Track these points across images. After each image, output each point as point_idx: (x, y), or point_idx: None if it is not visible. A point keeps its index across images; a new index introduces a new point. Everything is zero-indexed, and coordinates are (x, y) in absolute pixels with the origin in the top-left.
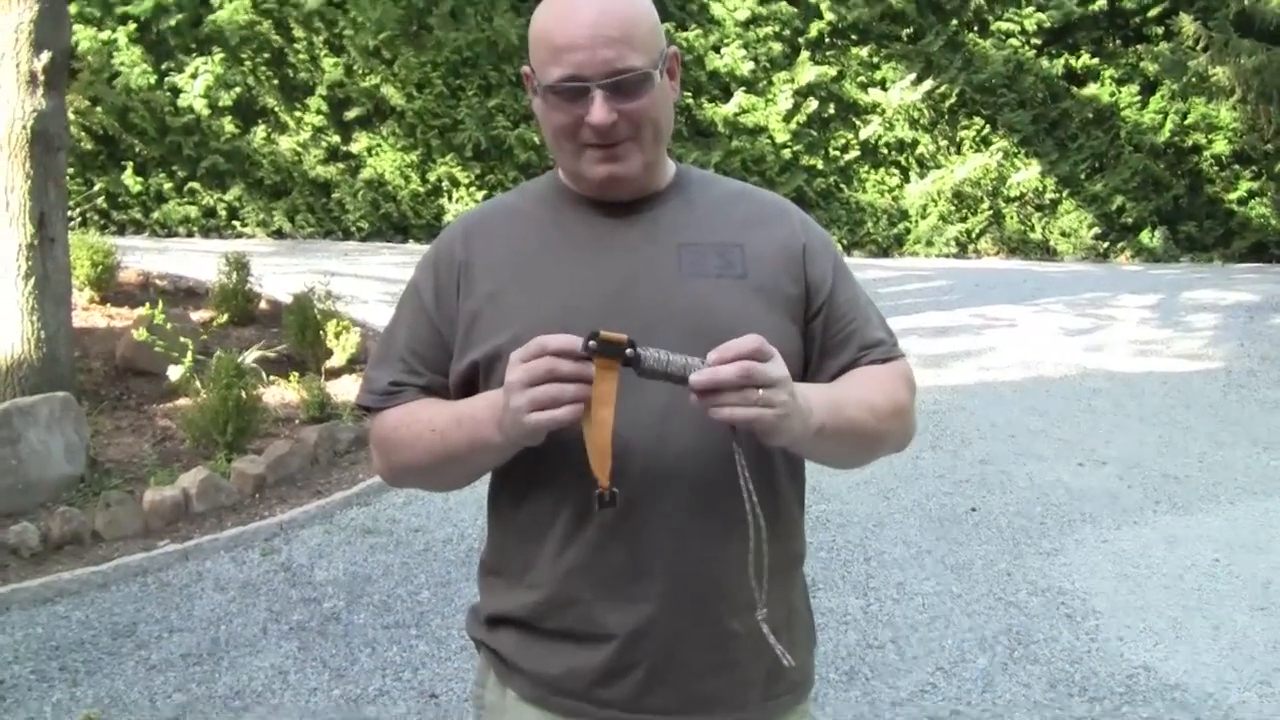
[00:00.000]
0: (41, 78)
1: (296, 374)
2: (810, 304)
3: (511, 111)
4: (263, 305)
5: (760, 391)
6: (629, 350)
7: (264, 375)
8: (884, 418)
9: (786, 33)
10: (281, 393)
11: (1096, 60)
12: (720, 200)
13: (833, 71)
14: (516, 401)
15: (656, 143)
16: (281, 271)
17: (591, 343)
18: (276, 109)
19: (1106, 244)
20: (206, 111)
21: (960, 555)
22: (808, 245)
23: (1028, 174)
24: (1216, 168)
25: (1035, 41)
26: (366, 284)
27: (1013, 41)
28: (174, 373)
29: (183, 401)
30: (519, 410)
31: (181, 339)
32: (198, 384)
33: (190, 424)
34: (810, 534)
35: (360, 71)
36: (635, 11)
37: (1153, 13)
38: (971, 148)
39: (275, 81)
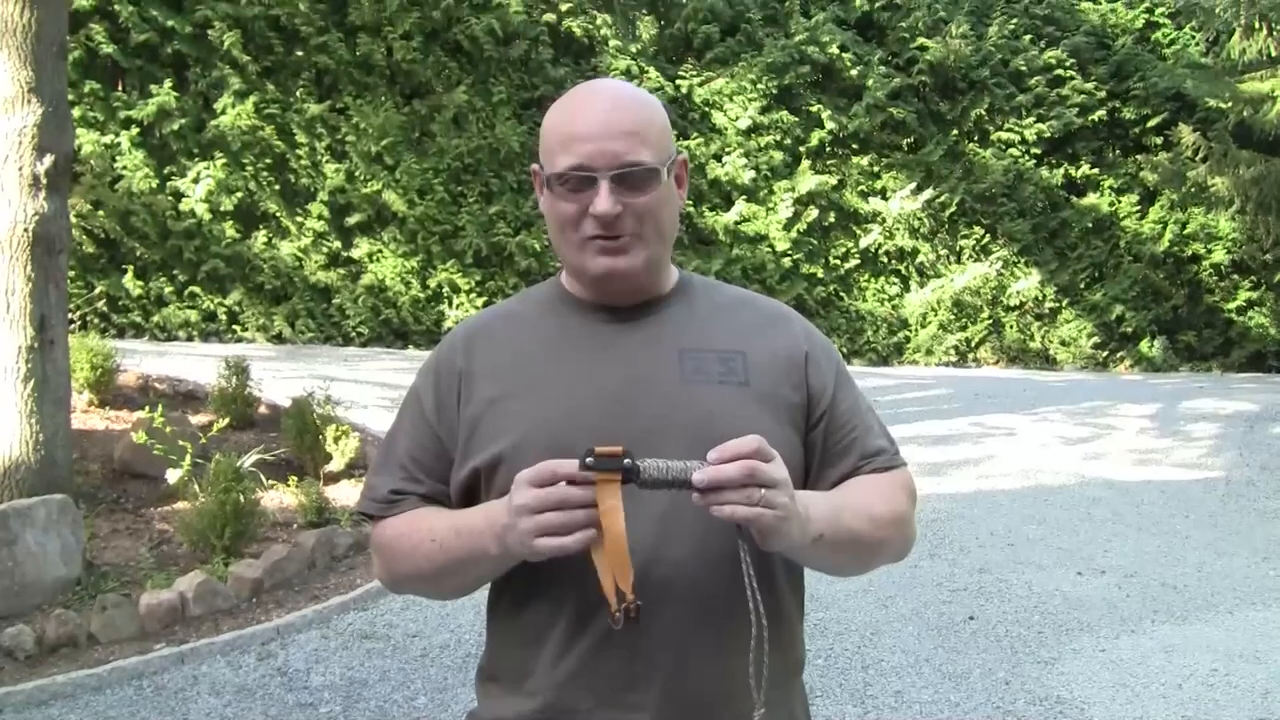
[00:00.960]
0: (44, 180)
1: (295, 478)
2: (811, 412)
3: (513, 218)
4: (262, 409)
5: (762, 491)
6: (627, 461)
7: (262, 479)
8: (883, 527)
9: (787, 142)
10: (280, 497)
11: (1096, 170)
12: (723, 306)
13: (833, 180)
14: (525, 525)
15: (660, 240)
16: (281, 376)
17: (589, 460)
18: (278, 214)
19: (1106, 353)
20: (208, 216)
21: (958, 664)
22: (810, 353)
23: (1027, 283)
24: (1215, 277)
25: (1035, 151)
26: (366, 389)
27: (1013, 151)
28: (172, 476)
29: (180, 505)
30: (527, 534)
31: (180, 442)
32: (196, 487)
33: (188, 527)
34: (808, 641)
35: (362, 177)
36: (648, 111)
37: (1152, 123)
38: (971, 256)
39: (277, 186)
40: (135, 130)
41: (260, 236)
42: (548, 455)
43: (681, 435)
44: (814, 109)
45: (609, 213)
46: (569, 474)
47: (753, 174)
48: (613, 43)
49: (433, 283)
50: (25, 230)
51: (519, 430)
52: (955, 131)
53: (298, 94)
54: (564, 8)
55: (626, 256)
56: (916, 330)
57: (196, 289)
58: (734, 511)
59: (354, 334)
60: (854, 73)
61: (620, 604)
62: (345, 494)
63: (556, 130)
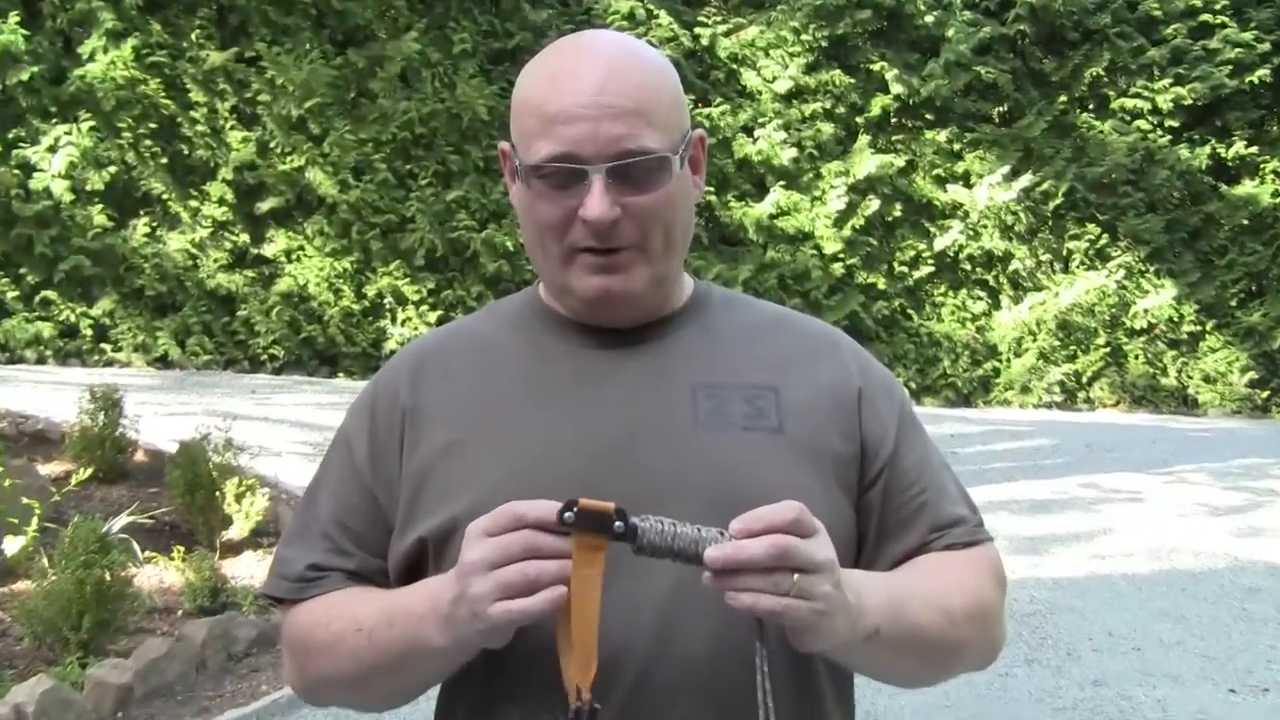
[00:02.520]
0: None
1: (181, 549)
2: (866, 468)
3: (477, 207)
4: (139, 456)
5: (795, 577)
6: (618, 524)
7: (137, 549)
8: (962, 622)
9: (840, 110)
10: (160, 574)
11: (1254, 149)
12: (750, 329)
13: (900, 162)
14: (478, 589)
15: (669, 252)
16: (166, 412)
17: (569, 514)
18: (165, 196)
19: (1266, 393)
20: (69, 197)
21: None
22: (864, 390)
23: (1159, 299)
24: None
25: (1171, 124)
26: (280, 431)
27: (1141, 124)
28: (11, 546)
29: (22, 585)
30: (480, 600)
31: (24, 500)
32: (45, 561)
33: (31, 615)
34: None
35: (279, 150)
36: (656, 78)
37: None
38: (1083, 263)
39: (164, 160)
40: None
41: (140, 226)
42: None
43: (693, 497)
44: (876, 67)
45: (604, 218)
46: (539, 518)
47: (794, 153)
48: None
49: (371, 290)
50: None
51: (480, 488)
52: (1064, 98)
53: (193, 37)
54: None
55: (625, 275)
56: (1009, 360)
57: (51, 295)
58: (756, 601)
59: (265, 357)
60: (929, 19)
61: (578, 700)
62: (249, 570)
63: (533, 104)
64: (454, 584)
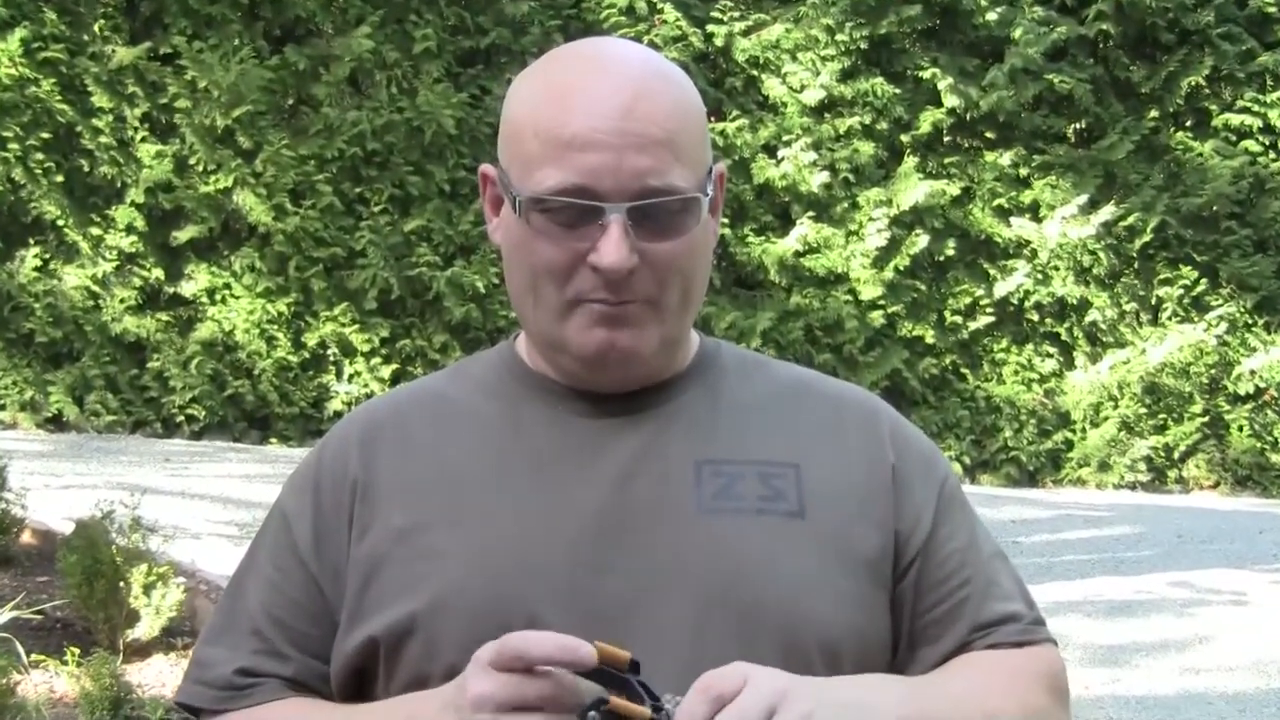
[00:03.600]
0: None
1: (77, 651)
2: (899, 559)
3: (441, 239)
4: (25, 538)
5: None
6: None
7: (22, 652)
8: None
9: (882, 126)
10: (50, 680)
11: None
12: (767, 395)
13: (954, 189)
14: None
15: (685, 311)
16: (60, 484)
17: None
18: (60, 222)
19: None
20: None
21: None
22: (898, 466)
23: (1269, 358)
24: None
25: None
26: (199, 507)
27: (1249, 145)
28: None
29: None
30: None
31: None
32: None
33: None
34: None
35: (200, 168)
36: (685, 104)
37: None
38: (1176, 314)
39: (59, 178)
40: None
41: (30, 258)
42: (487, 620)
43: (693, 594)
44: (926, 75)
45: (621, 267)
46: (571, 660)
47: (826, 176)
48: None
49: (312, 339)
50: None
51: (443, 580)
52: (1154, 113)
53: (96, 29)
54: None
55: (634, 331)
56: (1084, 431)
57: None
58: None
59: (182, 418)
60: (992, 17)
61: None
62: (159, 676)
63: (540, 124)
64: (448, 712)
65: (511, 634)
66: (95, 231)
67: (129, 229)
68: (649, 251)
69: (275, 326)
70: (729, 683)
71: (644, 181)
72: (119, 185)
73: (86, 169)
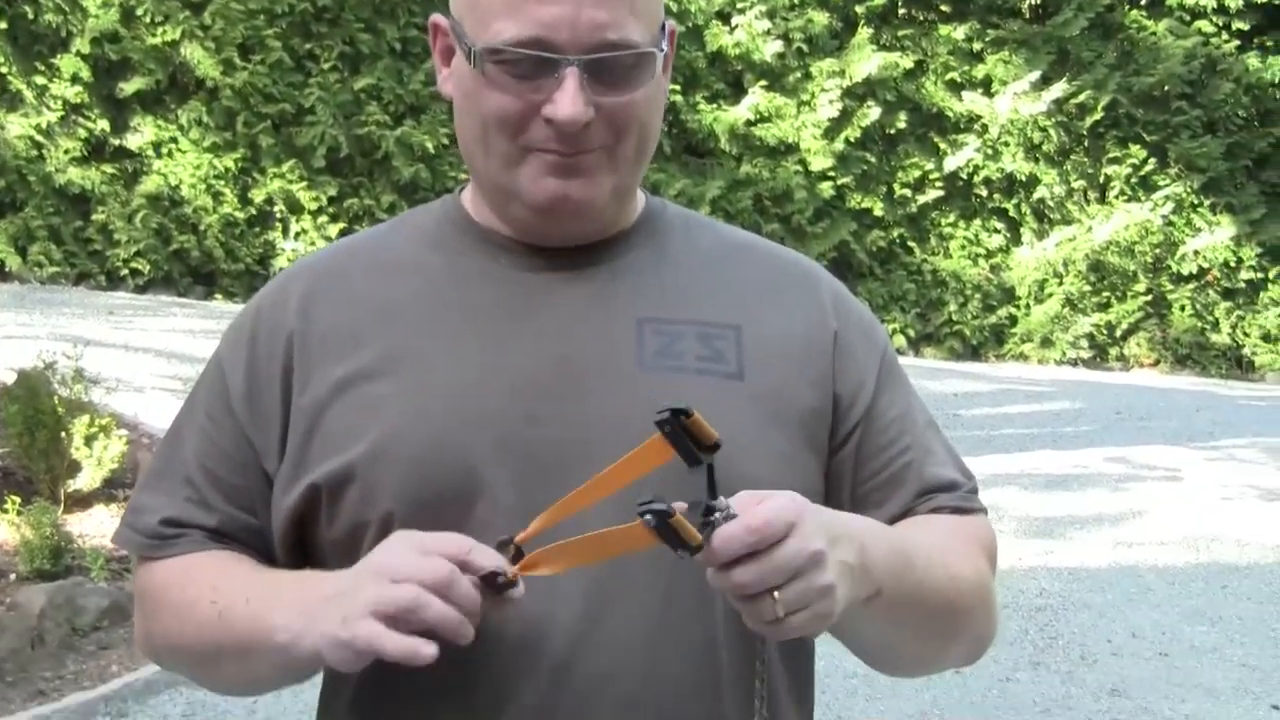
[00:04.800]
0: None
1: (17, 500)
2: (838, 424)
3: (391, 99)
4: None
5: (776, 598)
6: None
7: None
8: (965, 589)
9: None
10: None
11: None
12: (712, 256)
13: (907, 62)
14: (371, 594)
15: (638, 161)
16: (2, 335)
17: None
18: (4, 70)
19: None
20: None
21: None
22: (840, 333)
23: (1213, 239)
24: None
25: (1239, 26)
26: (142, 361)
27: (1202, 25)
28: None
29: None
30: (368, 605)
31: None
32: None
33: None
34: None
35: (147, 19)
36: None
37: None
38: (1124, 194)
39: (2, 25)
40: None
41: None
42: (424, 469)
43: (629, 449)
44: None
45: (577, 120)
46: (482, 569)
47: (779, 46)
48: None
49: (258, 196)
50: None
51: (382, 431)
52: None
53: None
54: None
55: (587, 181)
56: (1028, 307)
57: None
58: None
59: (126, 271)
60: None
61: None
62: (99, 526)
63: None
64: (347, 579)
65: (457, 535)
66: (40, 81)
67: (74, 79)
68: (604, 105)
69: (222, 182)
70: (775, 527)
71: (601, 35)
72: (64, 34)
73: (31, 16)
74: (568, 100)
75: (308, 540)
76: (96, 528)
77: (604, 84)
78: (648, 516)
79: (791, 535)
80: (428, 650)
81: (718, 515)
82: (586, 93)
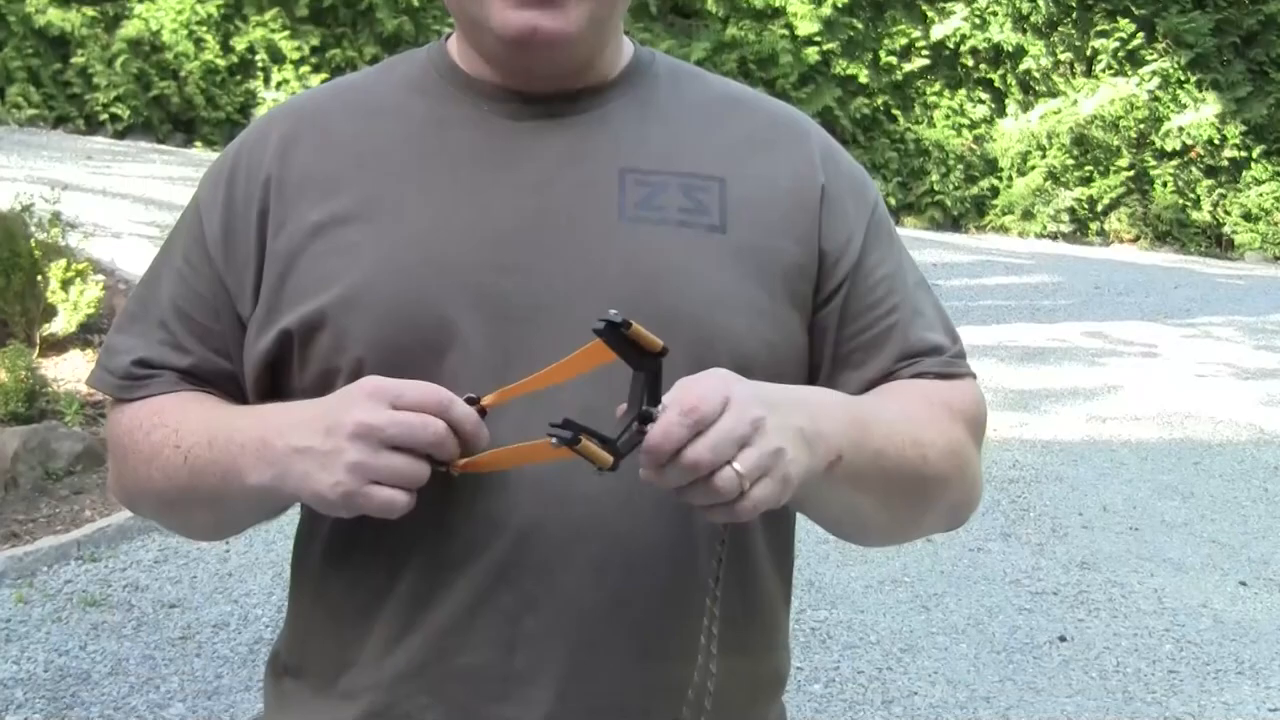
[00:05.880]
0: None
1: None
2: (824, 280)
3: None
4: None
5: (736, 465)
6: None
7: None
8: (935, 458)
9: None
10: None
11: None
12: (698, 107)
13: None
14: (357, 457)
15: None
16: None
17: (562, 434)
18: None
19: None
20: None
21: (1036, 708)
22: (828, 188)
23: (1198, 116)
24: None
25: None
26: (120, 207)
27: None
28: None
29: None
30: (353, 471)
31: None
32: None
33: None
34: (800, 653)
35: None
36: None
37: None
38: (1109, 67)
39: None
40: None
41: None
42: (395, 315)
43: (607, 300)
44: None
45: None
46: (458, 420)
47: None
48: None
49: (240, 44)
50: None
51: (354, 276)
52: None
53: None
54: None
55: (559, 10)
56: (1010, 179)
57: None
58: (727, 516)
59: (105, 116)
60: None
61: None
62: (74, 371)
63: None
64: (316, 431)
65: (430, 385)
66: None
67: None
68: None
69: (204, 28)
70: (710, 404)
71: None
72: None
73: None
74: None
75: (280, 386)
76: (71, 372)
77: None
78: (553, 440)
79: (728, 409)
80: (402, 499)
81: (656, 413)
82: None
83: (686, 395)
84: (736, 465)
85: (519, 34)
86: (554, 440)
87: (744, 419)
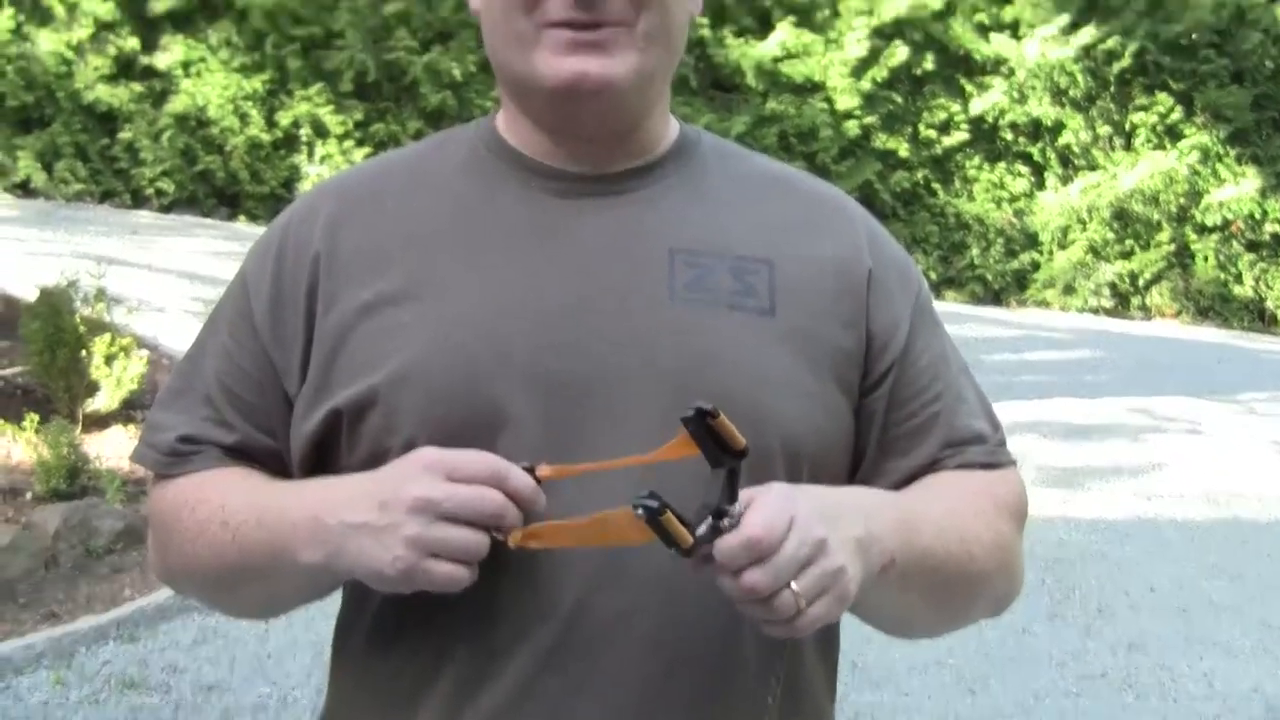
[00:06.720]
0: None
1: (35, 418)
2: (871, 366)
3: (420, 24)
4: None
5: (794, 588)
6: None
7: None
8: (981, 554)
9: None
10: (6, 447)
11: None
12: (745, 187)
13: (936, 3)
14: (414, 531)
15: (664, 47)
16: (26, 251)
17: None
18: None
19: None
20: None
21: None
22: (875, 271)
23: (1238, 190)
24: None
25: None
26: (165, 281)
27: None
28: None
29: None
30: (411, 544)
31: None
32: None
33: None
34: None
35: None
36: None
37: None
38: (1150, 141)
39: None
40: None
41: (3, 19)
42: (449, 395)
43: (657, 383)
44: None
45: None
46: (516, 490)
47: None
48: None
49: (285, 118)
50: None
51: (406, 354)
52: None
53: None
54: None
55: (607, 57)
56: (1051, 253)
57: None
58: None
59: (151, 191)
60: None
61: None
62: (117, 448)
63: None
64: (372, 506)
65: (484, 455)
66: None
67: None
68: None
69: (249, 103)
70: (774, 533)
71: None
72: None
73: None
74: None
75: (327, 464)
76: (113, 449)
77: None
78: (639, 510)
79: (791, 531)
80: (464, 574)
81: (726, 521)
82: None
83: (752, 523)
84: (795, 586)
85: (569, 80)
86: (640, 510)
87: (807, 541)
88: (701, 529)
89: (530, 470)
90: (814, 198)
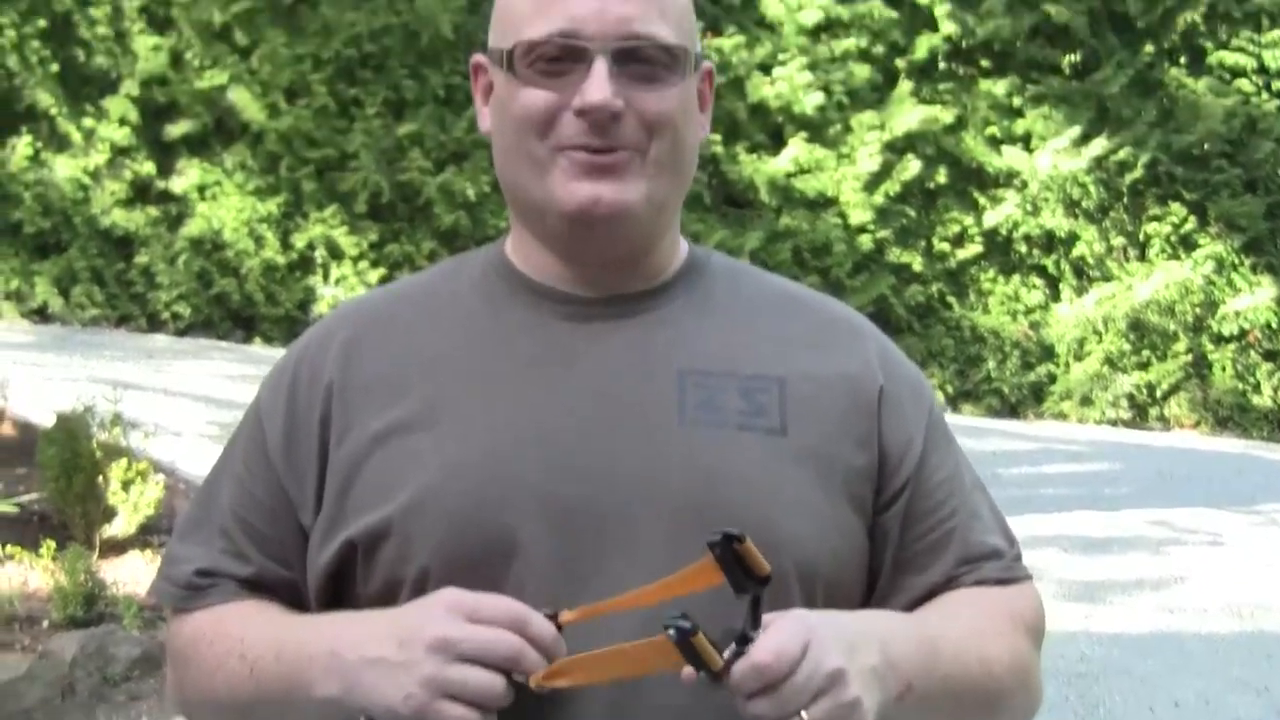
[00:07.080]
0: None
1: (52, 544)
2: (885, 484)
3: (434, 145)
4: (5, 429)
5: (805, 716)
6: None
7: None
8: (1000, 673)
9: (878, 50)
10: (24, 574)
11: None
12: (755, 306)
13: (948, 117)
14: (431, 671)
15: (674, 174)
16: (42, 376)
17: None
18: (53, 111)
19: None
20: None
21: None
22: (887, 389)
23: (1255, 299)
24: None
25: (1279, 86)
26: (181, 406)
27: (1243, 84)
28: None
29: None
30: (426, 685)
31: None
32: None
33: None
34: None
35: (195, 63)
36: None
37: None
38: (1164, 252)
39: (54, 66)
40: None
41: (21, 147)
42: (462, 523)
43: (668, 507)
44: (924, 0)
45: (605, 104)
46: (537, 635)
47: (820, 98)
48: None
49: (300, 240)
50: None
51: (419, 484)
52: (1150, 48)
53: None
54: None
55: (620, 182)
56: (1068, 365)
57: None
58: None
59: (167, 315)
60: None
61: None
62: (134, 574)
63: None
64: (390, 642)
65: (505, 600)
66: (88, 123)
67: (122, 121)
68: (635, 99)
69: (264, 226)
70: (784, 661)
71: (629, 27)
72: (113, 77)
73: (82, 59)
74: (596, 85)
75: (343, 595)
76: (130, 575)
77: (633, 76)
78: (671, 631)
79: (806, 658)
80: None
81: (750, 648)
82: (616, 84)
83: (762, 649)
84: (806, 716)
85: (584, 204)
86: (671, 631)
87: (821, 671)
88: (727, 654)
89: (553, 616)
90: (825, 315)
